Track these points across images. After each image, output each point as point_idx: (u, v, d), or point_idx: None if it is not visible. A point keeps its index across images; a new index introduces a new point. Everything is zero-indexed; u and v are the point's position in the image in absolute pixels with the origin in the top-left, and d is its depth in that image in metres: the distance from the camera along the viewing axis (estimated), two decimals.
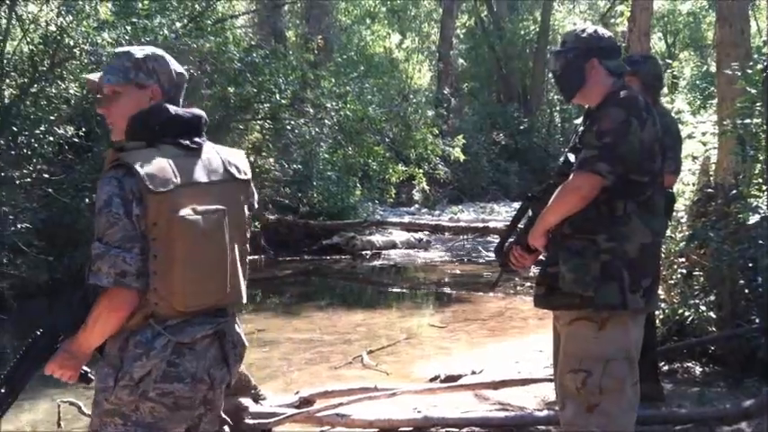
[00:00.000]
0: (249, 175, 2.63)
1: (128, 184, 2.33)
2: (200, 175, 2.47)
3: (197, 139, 2.52)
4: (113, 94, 2.57)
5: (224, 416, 4.16)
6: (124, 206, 2.31)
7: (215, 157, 2.56)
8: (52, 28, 10.93)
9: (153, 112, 2.48)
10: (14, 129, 9.97)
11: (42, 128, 10.34)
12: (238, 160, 2.63)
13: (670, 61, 17.49)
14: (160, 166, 2.37)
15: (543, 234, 3.05)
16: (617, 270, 2.93)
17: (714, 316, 5.45)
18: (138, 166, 2.33)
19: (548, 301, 3.10)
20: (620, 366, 2.96)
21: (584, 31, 3.15)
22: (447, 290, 11.72)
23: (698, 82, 20.99)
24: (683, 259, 5.94)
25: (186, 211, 2.38)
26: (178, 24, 12.72)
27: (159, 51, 2.58)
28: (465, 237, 15.64)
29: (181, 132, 2.49)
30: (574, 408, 3.00)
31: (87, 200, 11.04)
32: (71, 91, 11.55)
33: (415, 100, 22.22)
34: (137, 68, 2.53)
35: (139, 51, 2.56)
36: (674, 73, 22.08)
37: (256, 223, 13.71)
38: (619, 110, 2.94)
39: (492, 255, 13.60)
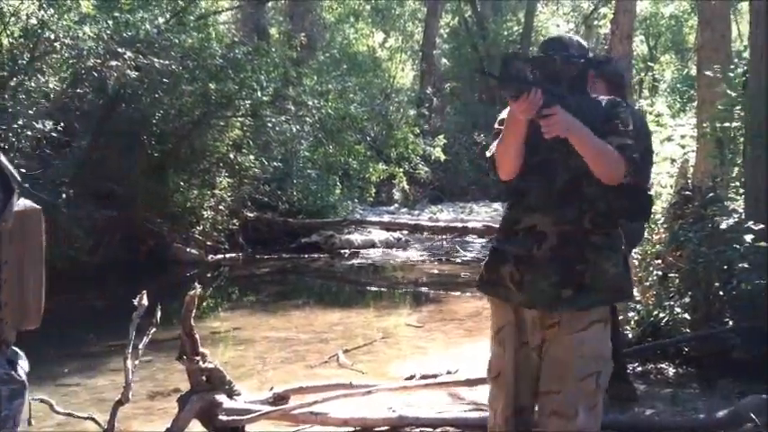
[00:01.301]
0: None
1: None
2: None
3: None
4: None
5: None
6: None
7: None
8: (33, 21, 10.83)
9: None
10: None
11: (21, 122, 10.24)
12: None
13: (651, 64, 17.63)
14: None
15: (569, 133, 2.74)
16: (628, 261, 3.03)
17: (689, 317, 5.48)
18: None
19: (579, 302, 2.89)
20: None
21: (580, 40, 3.12)
22: (424, 289, 11.70)
23: (678, 85, 21.12)
24: (659, 261, 5.97)
25: (35, 210, 2.05)
26: (161, 19, 12.65)
27: None
28: (444, 237, 15.64)
29: None
30: (586, 413, 2.88)
31: (64, 195, 10.96)
32: (51, 85, 11.46)
33: (397, 99, 22.22)
34: None
35: None
36: (655, 76, 22.22)
37: (235, 220, 13.66)
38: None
39: (468, 254, 13.64)
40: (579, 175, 2.85)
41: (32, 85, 10.85)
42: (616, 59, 5.40)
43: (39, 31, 10.73)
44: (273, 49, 15.34)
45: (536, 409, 3.01)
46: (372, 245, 15.21)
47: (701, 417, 4.45)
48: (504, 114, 2.95)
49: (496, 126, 2.99)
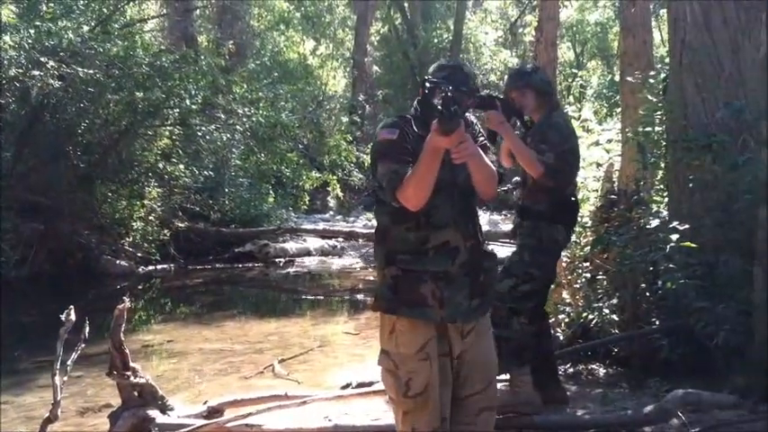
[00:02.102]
0: None
1: None
2: None
3: None
4: None
5: None
6: None
7: None
8: None
9: None
10: None
11: None
12: None
13: (576, 71, 17.95)
14: None
15: (472, 157, 2.90)
16: None
17: (617, 318, 5.59)
18: None
19: (484, 307, 3.13)
20: None
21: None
22: (361, 296, 11.70)
23: (605, 91, 21.55)
24: (588, 264, 6.08)
25: None
26: (85, 28, 12.42)
27: None
28: None
29: None
30: None
31: None
32: None
33: (329, 106, 22.20)
34: None
35: None
36: (582, 83, 22.67)
37: (166, 231, 13.46)
38: None
39: None
40: (466, 192, 3.04)
41: None
42: (540, 67, 5.52)
43: None
44: (202, 57, 15.18)
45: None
46: (308, 253, 15.18)
47: (629, 413, 4.55)
48: (392, 136, 3.01)
49: (392, 152, 2.96)
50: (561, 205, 4.56)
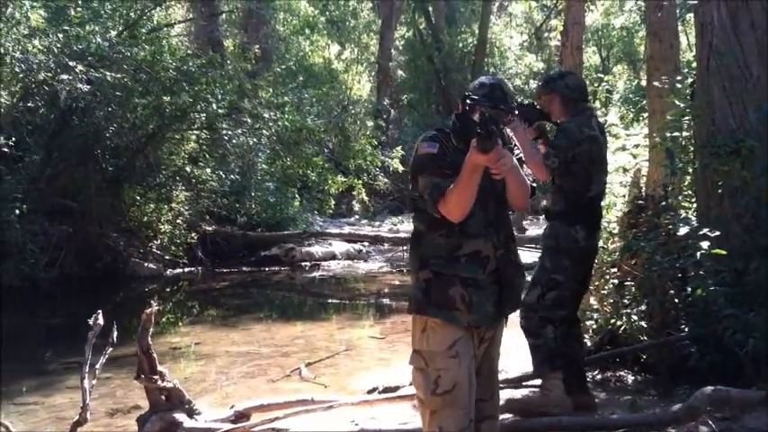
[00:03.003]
0: None
1: None
2: None
3: None
4: None
5: None
6: None
7: None
8: None
9: None
10: None
11: None
12: None
13: (602, 75, 17.80)
14: None
15: (511, 171, 3.01)
16: None
17: (645, 325, 5.54)
18: None
19: (501, 316, 3.21)
20: None
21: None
22: (386, 301, 11.72)
23: (631, 95, 21.39)
24: (615, 270, 6.04)
25: None
26: (113, 32, 12.55)
27: None
28: (404, 247, 15.65)
29: None
30: None
31: (18, 211, 10.79)
32: (1, 99, 11.30)
33: (354, 111, 22.24)
34: None
35: None
36: (608, 87, 22.52)
37: (193, 234, 13.55)
38: None
39: None
40: (501, 201, 3.15)
41: None
42: (571, 72, 5.53)
43: None
44: (228, 62, 15.28)
45: None
46: (333, 257, 15.21)
47: (656, 411, 4.51)
48: (432, 150, 3.08)
49: (433, 166, 3.05)
50: (577, 206, 4.60)
